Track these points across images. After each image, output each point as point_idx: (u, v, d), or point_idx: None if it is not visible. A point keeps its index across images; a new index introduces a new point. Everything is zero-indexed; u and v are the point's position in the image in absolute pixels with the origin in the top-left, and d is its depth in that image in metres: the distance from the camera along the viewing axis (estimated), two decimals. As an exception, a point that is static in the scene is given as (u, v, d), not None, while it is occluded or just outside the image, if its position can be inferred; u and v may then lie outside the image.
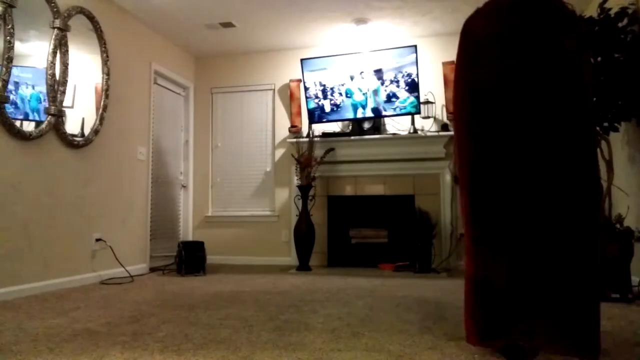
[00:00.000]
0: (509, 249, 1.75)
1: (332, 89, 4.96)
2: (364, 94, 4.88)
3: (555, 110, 1.65)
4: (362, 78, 4.88)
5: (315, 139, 5.03)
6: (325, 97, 4.99)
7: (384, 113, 4.86)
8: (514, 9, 1.72)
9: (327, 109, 5.01)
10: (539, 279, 1.72)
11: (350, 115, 4.94)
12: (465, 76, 1.82)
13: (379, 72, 4.83)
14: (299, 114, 5.30)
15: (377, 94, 4.85)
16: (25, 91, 3.32)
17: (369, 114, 4.90)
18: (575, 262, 1.69)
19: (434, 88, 4.90)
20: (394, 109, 4.82)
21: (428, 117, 4.87)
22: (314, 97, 5.02)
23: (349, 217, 5.15)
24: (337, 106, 4.97)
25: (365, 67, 4.87)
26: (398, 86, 4.78)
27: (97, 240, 3.95)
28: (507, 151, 1.71)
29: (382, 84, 4.82)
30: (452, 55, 4.95)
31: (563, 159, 1.67)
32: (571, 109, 1.64)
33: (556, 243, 1.70)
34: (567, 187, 1.68)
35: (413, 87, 4.72)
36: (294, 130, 5.31)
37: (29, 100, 3.35)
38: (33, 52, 3.43)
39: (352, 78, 4.91)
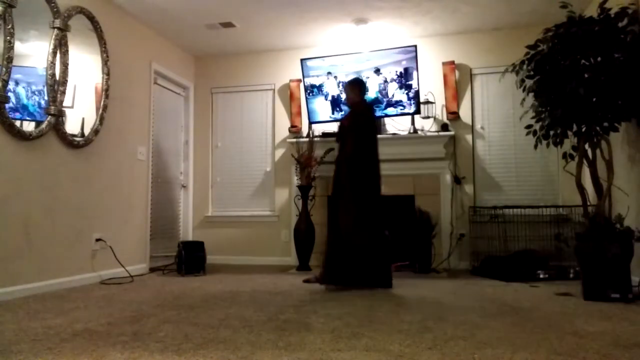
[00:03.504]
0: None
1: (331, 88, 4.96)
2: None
3: (371, 143, 3.69)
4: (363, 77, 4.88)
5: (315, 139, 5.03)
6: (324, 97, 5.00)
7: (383, 113, 4.87)
8: (363, 109, 3.81)
9: (326, 107, 5.02)
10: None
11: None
12: (353, 132, 3.71)
13: (378, 72, 4.84)
14: (299, 114, 5.30)
15: (377, 93, 4.85)
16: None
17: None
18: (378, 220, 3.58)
19: (434, 88, 4.90)
20: (394, 109, 4.83)
21: (428, 117, 4.87)
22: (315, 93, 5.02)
23: (349, 217, 5.13)
24: (337, 105, 4.97)
25: (365, 67, 4.87)
26: (398, 86, 4.78)
27: (97, 240, 3.95)
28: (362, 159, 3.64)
29: (382, 83, 4.83)
30: (452, 55, 4.96)
31: (375, 163, 3.66)
32: (374, 142, 3.70)
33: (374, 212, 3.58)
34: (375, 177, 3.64)
35: (413, 87, 4.72)
36: (294, 130, 5.30)
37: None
38: (33, 52, 3.43)
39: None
